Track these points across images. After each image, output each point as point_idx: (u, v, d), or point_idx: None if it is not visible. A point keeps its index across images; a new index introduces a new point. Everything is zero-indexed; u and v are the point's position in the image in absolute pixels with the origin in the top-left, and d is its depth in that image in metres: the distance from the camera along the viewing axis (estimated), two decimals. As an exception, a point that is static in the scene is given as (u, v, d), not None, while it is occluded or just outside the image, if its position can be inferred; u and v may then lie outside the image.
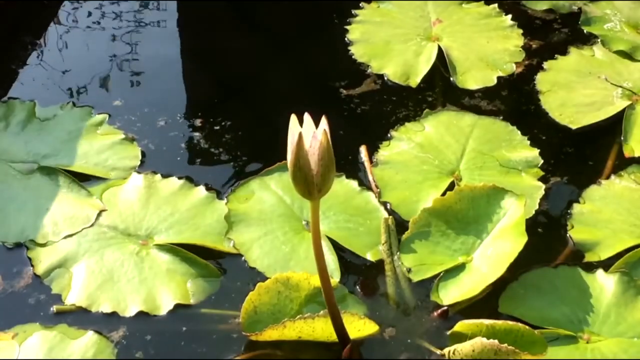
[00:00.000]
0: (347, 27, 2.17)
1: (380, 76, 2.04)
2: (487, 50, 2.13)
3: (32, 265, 1.59)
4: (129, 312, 1.52)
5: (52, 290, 1.55)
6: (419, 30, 2.16)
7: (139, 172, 1.75)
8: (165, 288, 1.55)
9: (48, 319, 1.50)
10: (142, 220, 1.66)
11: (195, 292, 1.56)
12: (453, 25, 2.19)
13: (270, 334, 1.43)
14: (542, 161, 1.81)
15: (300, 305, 1.50)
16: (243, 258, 1.62)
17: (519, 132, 1.87)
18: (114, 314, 1.51)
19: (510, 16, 2.21)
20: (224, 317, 1.53)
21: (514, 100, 2.02)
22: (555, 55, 2.09)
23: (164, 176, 1.74)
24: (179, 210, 1.68)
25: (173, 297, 1.54)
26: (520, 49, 2.14)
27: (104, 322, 1.50)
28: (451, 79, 2.05)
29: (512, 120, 1.91)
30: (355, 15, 2.21)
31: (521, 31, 2.18)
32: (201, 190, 1.72)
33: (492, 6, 2.25)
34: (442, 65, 2.07)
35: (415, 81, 2.02)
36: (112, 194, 1.71)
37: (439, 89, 2.03)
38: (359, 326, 1.45)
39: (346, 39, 2.14)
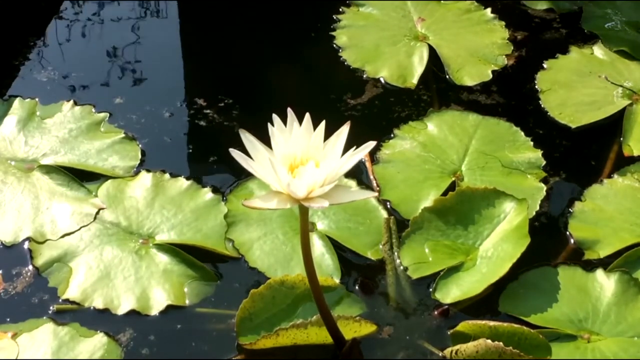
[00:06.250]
0: (333, 32, 2.16)
1: (377, 79, 2.04)
2: (476, 45, 2.13)
3: (32, 257, 1.59)
4: (122, 309, 1.52)
5: (49, 284, 1.55)
6: (405, 30, 2.16)
7: (148, 170, 1.75)
8: (160, 288, 1.55)
9: (47, 316, 1.51)
10: (145, 218, 1.66)
11: (191, 294, 1.55)
12: (437, 22, 2.18)
13: (265, 343, 1.42)
14: (544, 162, 1.80)
15: (297, 306, 1.50)
16: (243, 259, 1.62)
17: (522, 133, 1.87)
18: (106, 311, 1.52)
19: (490, 9, 2.21)
20: (223, 317, 1.52)
21: (513, 98, 2.01)
22: (556, 54, 2.09)
23: (173, 176, 1.74)
24: (183, 211, 1.68)
25: (167, 297, 1.54)
26: (508, 41, 2.14)
27: (103, 320, 1.51)
28: (447, 77, 2.05)
29: (511, 119, 1.91)
30: (338, 21, 2.19)
31: (504, 23, 2.18)
32: (207, 192, 1.71)
33: (469, 1, 2.25)
34: (434, 64, 2.07)
35: (413, 82, 2.02)
36: (119, 191, 1.71)
37: (437, 88, 2.02)
38: (355, 327, 1.45)
39: (334, 44, 2.13)
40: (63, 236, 1.63)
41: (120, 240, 1.62)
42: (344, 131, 1.26)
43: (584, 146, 1.90)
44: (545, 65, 2.07)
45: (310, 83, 2.10)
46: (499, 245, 1.59)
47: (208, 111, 1.94)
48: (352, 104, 1.97)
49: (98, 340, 1.46)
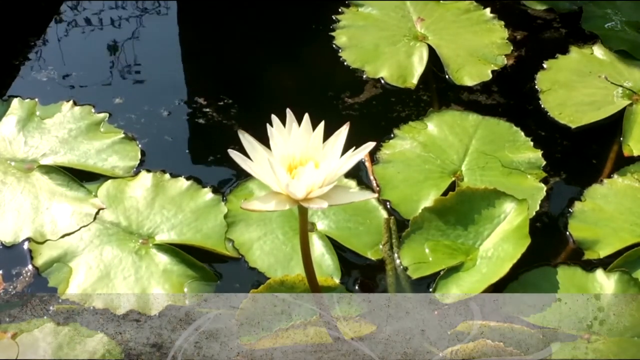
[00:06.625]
0: (332, 33, 2.15)
1: (377, 80, 2.03)
2: (475, 44, 2.12)
3: (32, 257, 1.59)
4: (122, 309, 1.52)
5: (49, 284, 1.56)
6: (404, 30, 2.16)
7: (148, 170, 1.75)
8: (160, 288, 1.55)
9: (47, 316, 1.51)
10: (145, 218, 1.66)
11: (191, 294, 1.55)
12: (436, 22, 2.18)
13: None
14: (544, 162, 1.80)
15: (298, 306, 1.50)
16: (243, 259, 1.62)
17: (522, 133, 1.87)
18: (106, 311, 1.52)
19: (489, 9, 2.21)
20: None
21: (513, 98, 2.02)
22: (556, 54, 2.09)
23: (173, 176, 1.74)
24: (183, 211, 1.68)
25: (167, 297, 1.54)
26: (507, 41, 2.14)
27: (103, 320, 1.51)
28: (447, 77, 2.05)
29: (511, 119, 1.91)
30: (338, 21, 2.19)
31: (503, 23, 2.18)
32: (207, 192, 1.71)
33: (469, 1, 2.25)
34: (434, 64, 2.07)
35: (412, 82, 2.02)
36: (119, 191, 1.71)
37: (437, 88, 2.02)
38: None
39: (334, 44, 2.13)
40: (63, 236, 1.63)
41: (120, 240, 1.62)
42: (343, 131, 1.25)
43: (584, 146, 1.90)
44: (545, 65, 2.07)
45: (309, 83, 2.10)
46: (499, 245, 1.59)
47: (208, 110, 1.94)
48: (351, 104, 1.98)
49: (98, 340, 1.46)
